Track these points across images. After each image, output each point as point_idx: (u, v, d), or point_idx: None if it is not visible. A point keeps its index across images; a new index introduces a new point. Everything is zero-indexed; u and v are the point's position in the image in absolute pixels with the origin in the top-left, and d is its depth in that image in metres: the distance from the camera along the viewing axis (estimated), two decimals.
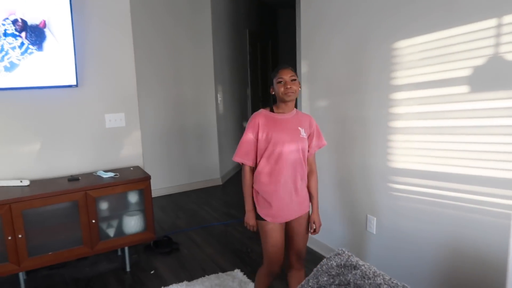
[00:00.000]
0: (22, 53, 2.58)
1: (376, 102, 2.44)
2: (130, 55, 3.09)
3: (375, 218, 2.55)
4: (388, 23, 2.30)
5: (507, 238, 1.82)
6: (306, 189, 2.01)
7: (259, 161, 1.92)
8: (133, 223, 2.83)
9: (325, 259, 1.41)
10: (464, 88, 1.93)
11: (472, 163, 1.94)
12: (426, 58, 2.10)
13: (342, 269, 1.34)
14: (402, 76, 2.25)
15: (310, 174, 2.04)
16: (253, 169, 1.97)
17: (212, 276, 2.71)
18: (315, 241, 3.10)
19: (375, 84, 2.43)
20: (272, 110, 1.94)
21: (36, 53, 2.62)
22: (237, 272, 2.76)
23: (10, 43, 2.54)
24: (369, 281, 1.25)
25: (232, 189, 4.99)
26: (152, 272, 2.84)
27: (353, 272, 1.31)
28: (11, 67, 2.56)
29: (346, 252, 1.40)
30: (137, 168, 3.10)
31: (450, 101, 2.00)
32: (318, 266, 1.40)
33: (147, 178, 2.81)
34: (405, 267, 2.36)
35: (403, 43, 2.22)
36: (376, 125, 2.46)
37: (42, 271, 2.84)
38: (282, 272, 2.09)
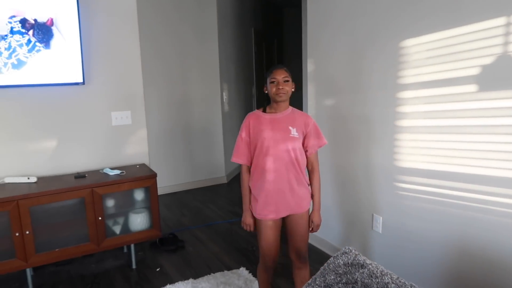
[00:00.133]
0: (30, 51, 2.60)
1: (382, 101, 2.43)
2: (136, 53, 3.11)
3: (381, 217, 2.54)
4: (394, 22, 2.29)
5: None
6: (305, 190, 2.01)
7: (253, 160, 1.99)
8: (139, 221, 2.84)
9: (332, 258, 1.41)
10: (471, 87, 1.92)
11: (478, 163, 1.93)
12: (433, 57, 2.09)
13: (349, 267, 1.34)
14: (408, 75, 2.25)
15: (311, 173, 2.05)
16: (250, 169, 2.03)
17: (218, 274, 2.72)
18: (321, 240, 3.10)
19: (381, 83, 2.43)
20: (265, 110, 2.00)
21: (44, 51, 2.64)
22: (243, 270, 2.76)
23: (17, 41, 2.56)
24: (377, 280, 1.24)
25: (237, 187, 4.99)
26: (158, 269, 2.86)
27: (360, 270, 1.30)
28: (19, 64, 2.58)
29: (353, 250, 1.40)
30: (143, 165, 3.11)
31: (457, 100, 1.99)
32: (325, 264, 1.39)
33: (153, 175, 2.82)
34: (410, 266, 2.36)
35: (409, 42, 2.21)
36: (382, 124, 2.45)
37: (49, 267, 2.86)
38: (284, 270, 2.09)
